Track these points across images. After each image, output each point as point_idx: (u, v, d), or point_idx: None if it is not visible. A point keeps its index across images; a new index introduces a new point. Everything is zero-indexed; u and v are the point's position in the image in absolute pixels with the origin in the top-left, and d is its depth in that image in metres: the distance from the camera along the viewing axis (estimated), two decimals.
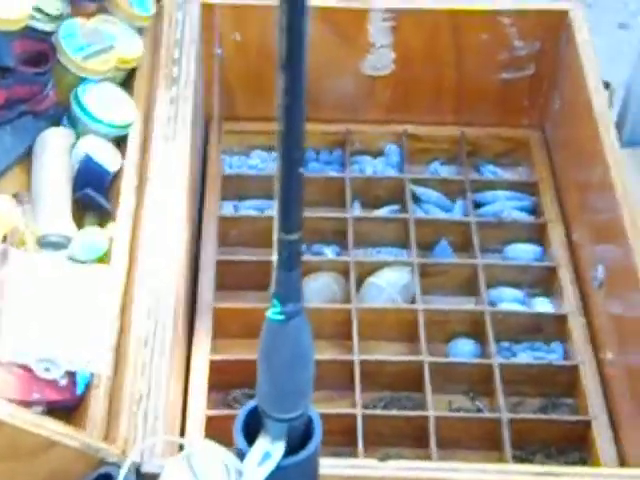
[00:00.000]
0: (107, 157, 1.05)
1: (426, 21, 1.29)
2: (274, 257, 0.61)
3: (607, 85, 1.23)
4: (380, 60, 1.32)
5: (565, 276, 1.19)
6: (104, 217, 1.02)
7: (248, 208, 1.31)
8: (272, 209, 1.31)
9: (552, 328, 1.16)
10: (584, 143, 1.20)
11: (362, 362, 1.10)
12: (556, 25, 1.27)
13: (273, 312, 0.65)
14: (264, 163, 1.36)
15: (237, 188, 1.31)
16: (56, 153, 1.03)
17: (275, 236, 0.64)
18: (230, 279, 1.20)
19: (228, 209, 1.30)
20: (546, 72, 1.31)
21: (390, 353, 1.15)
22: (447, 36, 1.30)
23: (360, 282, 1.20)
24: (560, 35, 1.28)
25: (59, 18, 1.08)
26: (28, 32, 1.04)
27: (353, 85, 1.34)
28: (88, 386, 0.88)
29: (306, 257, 1.23)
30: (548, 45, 1.29)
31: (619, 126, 1.34)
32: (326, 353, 1.14)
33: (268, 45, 1.27)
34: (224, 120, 1.35)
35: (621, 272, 1.06)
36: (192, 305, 1.14)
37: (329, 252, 1.26)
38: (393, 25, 1.29)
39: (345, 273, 1.21)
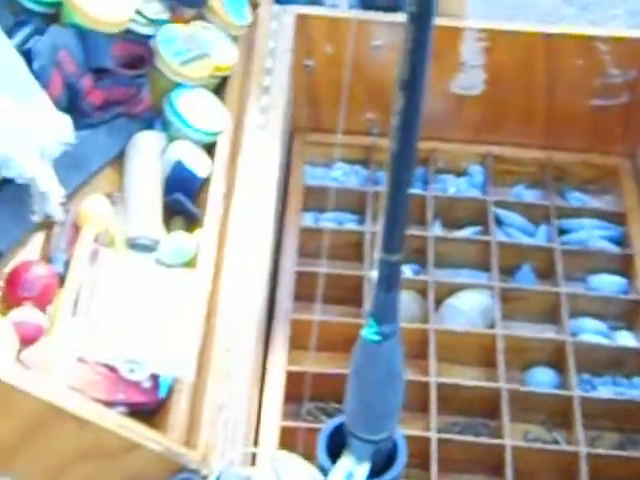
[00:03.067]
0: (197, 163, 1.05)
1: (520, 43, 1.28)
2: (366, 273, 0.61)
3: None
4: (470, 79, 1.31)
5: None
6: (191, 222, 1.02)
7: (328, 220, 1.31)
8: (352, 223, 1.31)
9: (635, 363, 1.13)
10: None
11: (438, 385, 1.09)
12: None
13: (369, 332, 0.65)
14: (346, 176, 1.36)
15: (318, 200, 1.31)
16: (148, 156, 1.04)
17: (375, 255, 0.63)
18: (309, 290, 1.19)
19: (309, 220, 1.30)
20: None
21: (465, 377, 1.13)
22: (541, 59, 1.28)
23: (438, 303, 1.19)
24: None
25: (158, 22, 1.09)
26: (127, 35, 1.06)
27: (440, 103, 1.33)
28: (170, 390, 0.88)
29: None
30: None
31: None
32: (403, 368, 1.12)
33: (359, 59, 1.29)
34: (309, 131, 1.35)
35: None
36: (270, 315, 1.14)
37: (408, 270, 1.25)
38: (486, 45, 1.27)
39: (423, 292, 1.20)
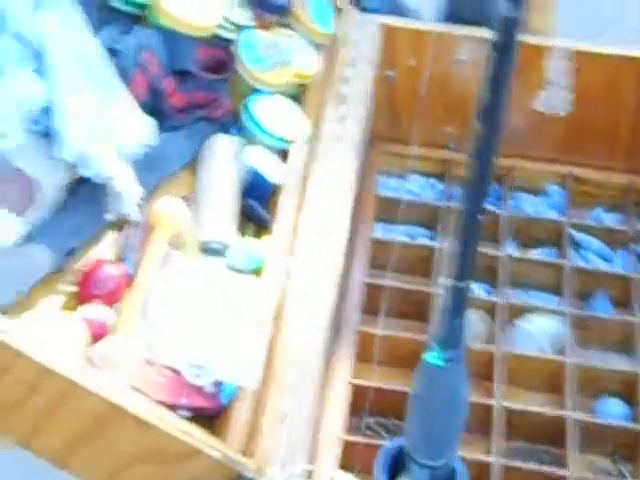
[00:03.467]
0: (271, 169, 1.05)
1: (608, 65, 1.25)
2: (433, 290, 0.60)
3: None
4: (555, 99, 1.28)
5: None
6: (262, 229, 1.02)
7: (400, 233, 1.29)
8: (424, 237, 1.29)
9: None
10: None
11: (503, 408, 1.07)
12: None
13: (432, 356, 0.64)
14: (421, 189, 1.34)
15: (391, 211, 1.30)
16: (223, 160, 1.04)
17: (444, 280, 0.62)
18: (377, 303, 1.18)
19: (380, 232, 1.29)
20: None
21: (531, 402, 1.11)
22: (629, 82, 1.25)
23: (507, 324, 1.17)
24: None
25: (242, 28, 1.09)
26: (212, 39, 1.06)
27: (522, 120, 1.30)
28: (233, 397, 0.88)
29: None
30: None
31: None
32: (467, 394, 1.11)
33: (441, 72, 1.27)
34: (387, 141, 1.34)
35: None
36: (336, 326, 1.14)
37: (478, 289, 1.23)
38: (572, 65, 1.25)
39: (492, 313, 1.18)
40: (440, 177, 1.34)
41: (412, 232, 1.30)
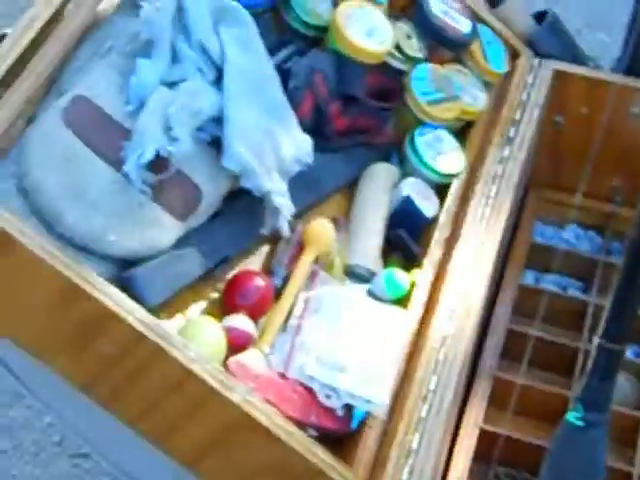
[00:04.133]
0: (426, 202, 1.05)
1: None
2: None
3: None
4: None
5: None
6: (410, 260, 1.02)
7: (550, 282, 1.26)
8: (576, 289, 1.25)
9: None
10: None
11: None
12: None
13: (573, 416, 0.62)
14: (578, 240, 1.31)
15: (543, 259, 1.27)
16: (379, 188, 1.04)
17: (597, 340, 0.60)
18: (517, 350, 1.16)
19: (530, 279, 1.26)
20: None
21: None
22: None
23: None
24: None
25: (415, 60, 1.10)
26: (382, 67, 1.07)
27: None
28: (362, 423, 0.87)
29: None
30: None
31: None
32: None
33: (613, 123, 1.24)
34: (546, 187, 1.32)
35: None
36: (474, 368, 1.12)
37: (629, 352, 1.19)
38: None
39: None
40: (599, 230, 1.30)
41: (563, 283, 1.27)
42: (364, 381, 0.88)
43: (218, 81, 0.85)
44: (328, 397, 0.87)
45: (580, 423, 0.61)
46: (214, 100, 0.83)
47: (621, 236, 1.29)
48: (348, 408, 0.88)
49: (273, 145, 0.88)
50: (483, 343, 1.15)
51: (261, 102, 0.88)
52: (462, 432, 1.05)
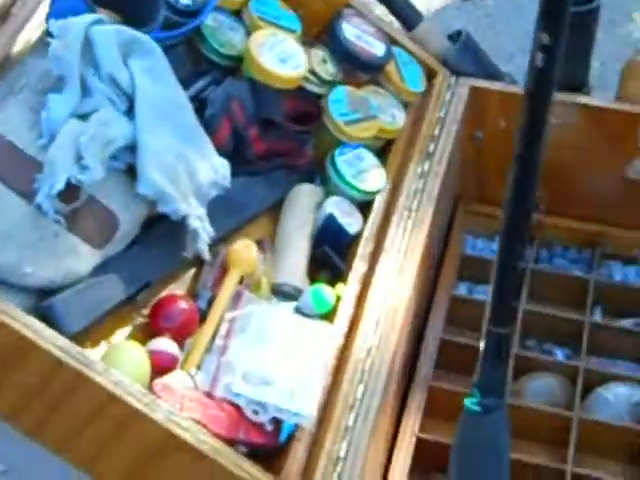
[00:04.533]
0: (350, 219, 1.08)
1: None
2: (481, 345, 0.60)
3: None
4: None
5: None
6: (336, 276, 1.04)
7: (482, 293, 1.29)
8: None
9: None
10: None
11: (576, 475, 1.05)
12: None
13: (471, 401, 0.64)
14: None
15: (475, 270, 1.30)
16: (304, 208, 1.07)
17: (489, 329, 0.63)
18: (451, 359, 1.18)
19: (463, 290, 1.29)
20: None
21: (606, 471, 1.09)
22: None
23: (587, 391, 1.15)
24: None
25: (331, 83, 1.13)
26: (299, 92, 1.10)
27: (614, 187, 1.29)
28: (291, 436, 0.89)
29: (534, 355, 1.20)
30: None
31: None
32: (538, 457, 1.09)
33: None
34: (474, 201, 1.35)
35: None
36: (408, 378, 1.14)
37: (560, 354, 1.22)
38: None
39: (572, 379, 1.16)
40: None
41: None
42: (291, 394, 0.90)
43: (130, 111, 0.88)
44: (255, 413, 0.89)
45: (478, 408, 0.63)
46: (126, 129, 0.86)
47: (548, 244, 1.33)
48: (276, 422, 0.90)
49: (188, 170, 0.91)
50: (419, 354, 1.17)
51: (174, 129, 0.90)
52: (399, 442, 1.07)
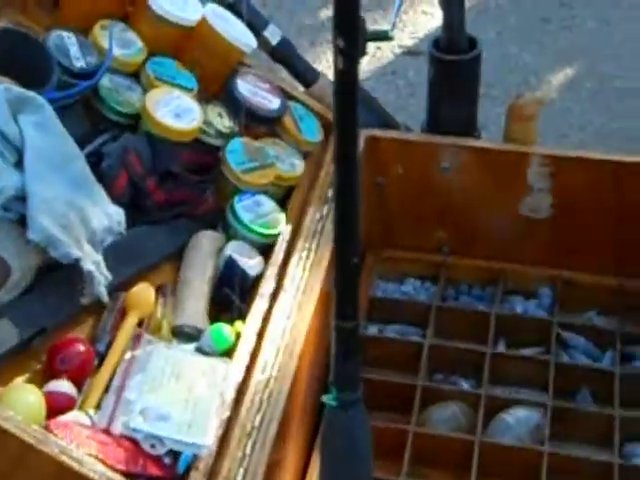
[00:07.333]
0: (250, 262, 1.12)
1: (587, 170, 1.29)
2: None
3: None
4: (538, 203, 1.33)
5: None
6: (236, 316, 1.08)
7: (392, 331, 1.33)
8: (414, 335, 1.33)
9: None
10: None
11: None
12: None
13: (329, 398, 0.68)
14: (415, 291, 1.39)
15: (385, 312, 1.35)
16: (205, 253, 1.12)
17: (332, 324, 0.67)
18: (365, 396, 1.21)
19: (373, 330, 1.33)
20: None
21: None
22: (609, 187, 1.29)
23: (490, 417, 1.19)
24: None
25: (228, 135, 1.19)
26: (197, 144, 1.16)
27: (510, 224, 1.35)
28: (189, 467, 0.92)
29: (439, 386, 1.24)
30: None
31: None
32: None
33: (428, 180, 1.34)
34: (382, 247, 1.40)
35: None
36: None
37: (465, 385, 1.26)
38: (551, 171, 1.30)
39: (476, 406, 1.20)
40: (434, 279, 1.38)
41: (406, 331, 1.34)
42: (187, 427, 0.93)
43: (19, 163, 0.92)
44: (153, 446, 0.92)
45: (335, 404, 0.67)
46: (15, 179, 0.90)
47: (454, 283, 1.38)
48: (175, 454, 0.92)
49: (80, 217, 0.95)
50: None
51: (64, 178, 0.95)
52: (311, 469, 1.09)
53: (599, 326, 1.30)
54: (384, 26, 1.49)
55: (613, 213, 1.31)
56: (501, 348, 1.30)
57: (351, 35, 0.61)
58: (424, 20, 2.35)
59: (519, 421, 1.17)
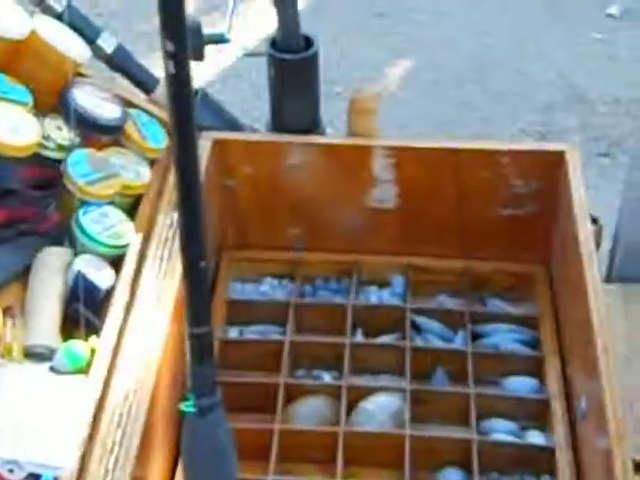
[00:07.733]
0: (101, 274, 1.11)
1: (427, 158, 1.33)
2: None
3: (595, 221, 1.24)
4: (384, 194, 1.36)
5: (557, 409, 1.18)
6: (91, 331, 1.07)
7: (252, 333, 1.34)
8: (275, 333, 1.34)
9: (541, 461, 1.14)
10: (573, 279, 1.21)
11: None
12: (552, 165, 1.31)
13: (186, 405, 0.68)
14: (273, 290, 1.40)
15: (245, 314, 1.35)
16: (52, 270, 1.09)
17: (188, 331, 0.67)
18: (230, 399, 1.21)
19: (234, 333, 1.33)
20: (546, 210, 1.34)
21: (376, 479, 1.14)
22: (448, 173, 1.33)
23: (353, 407, 1.21)
24: (557, 174, 1.31)
25: (68, 148, 1.17)
26: (37, 159, 1.13)
27: (359, 217, 1.38)
28: None
29: (300, 381, 1.26)
30: (546, 184, 1.32)
31: (610, 261, 1.34)
32: (310, 476, 1.14)
33: (277, 178, 1.36)
34: (237, 248, 1.41)
35: (597, 404, 1.04)
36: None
37: (327, 377, 1.28)
38: (394, 161, 1.34)
39: (338, 397, 1.22)
40: (291, 277, 1.40)
41: (266, 331, 1.35)
42: (45, 449, 0.91)
43: None
44: (11, 471, 0.89)
45: (194, 410, 0.67)
46: None
47: (310, 279, 1.40)
48: (35, 477, 0.90)
49: None
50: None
51: None
52: None
53: (449, 308, 1.34)
54: (223, 29, 1.49)
55: (454, 199, 1.35)
56: (359, 338, 1.32)
57: (179, 38, 0.61)
58: (264, 20, 2.37)
59: (380, 407, 1.19)
